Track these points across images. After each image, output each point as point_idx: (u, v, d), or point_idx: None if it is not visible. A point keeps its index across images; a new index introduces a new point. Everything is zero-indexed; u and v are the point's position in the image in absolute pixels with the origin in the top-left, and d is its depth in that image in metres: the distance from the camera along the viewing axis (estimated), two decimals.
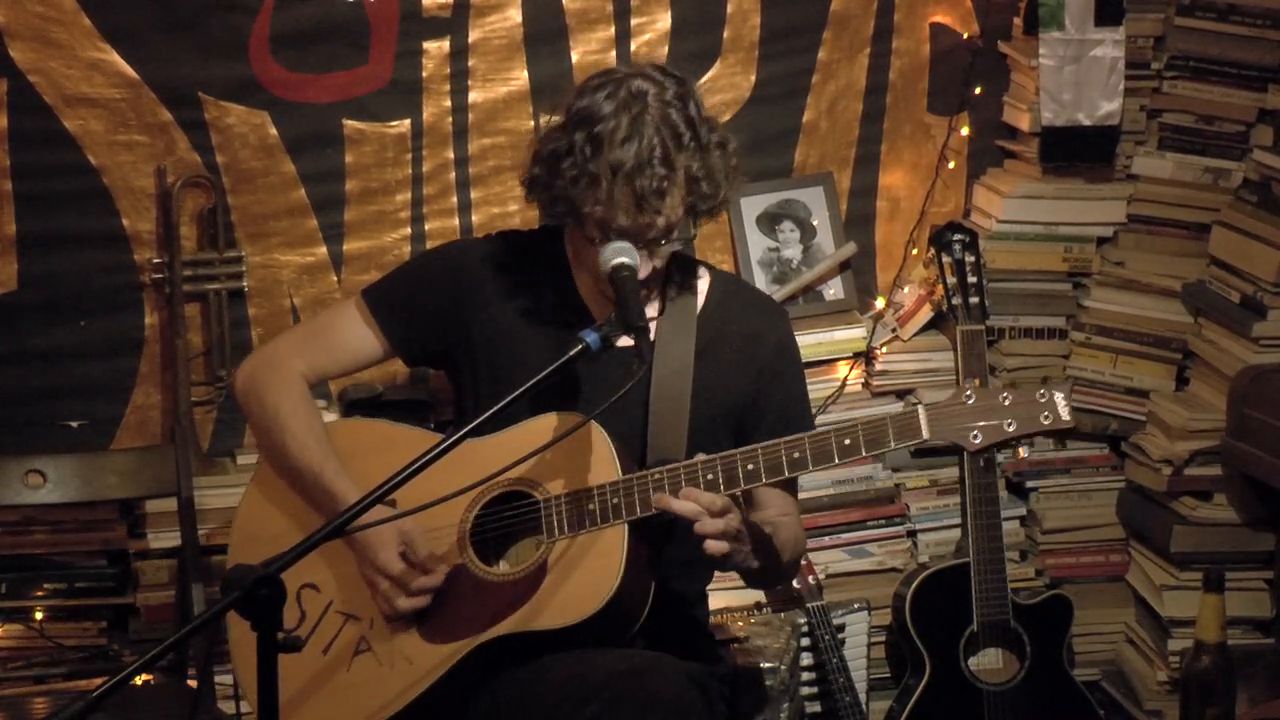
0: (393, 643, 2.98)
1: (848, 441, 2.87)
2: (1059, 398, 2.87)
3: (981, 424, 2.86)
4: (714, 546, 2.83)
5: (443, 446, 2.63)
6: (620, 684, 2.77)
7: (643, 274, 2.96)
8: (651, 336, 3.03)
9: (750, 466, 2.88)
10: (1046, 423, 2.87)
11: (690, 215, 2.97)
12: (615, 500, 2.90)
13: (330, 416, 3.86)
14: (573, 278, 3.11)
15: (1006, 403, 2.86)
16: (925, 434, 2.87)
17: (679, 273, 3.13)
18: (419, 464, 2.59)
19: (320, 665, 3.01)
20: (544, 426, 2.95)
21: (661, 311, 3.10)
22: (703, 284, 3.16)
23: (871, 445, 2.88)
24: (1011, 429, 2.87)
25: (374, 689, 2.97)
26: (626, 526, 2.90)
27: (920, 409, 2.87)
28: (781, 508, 3.13)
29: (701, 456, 2.90)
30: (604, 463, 2.93)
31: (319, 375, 3.20)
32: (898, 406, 4.21)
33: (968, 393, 2.88)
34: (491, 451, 2.91)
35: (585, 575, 2.90)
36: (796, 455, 2.88)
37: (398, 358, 3.22)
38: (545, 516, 2.94)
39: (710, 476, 2.88)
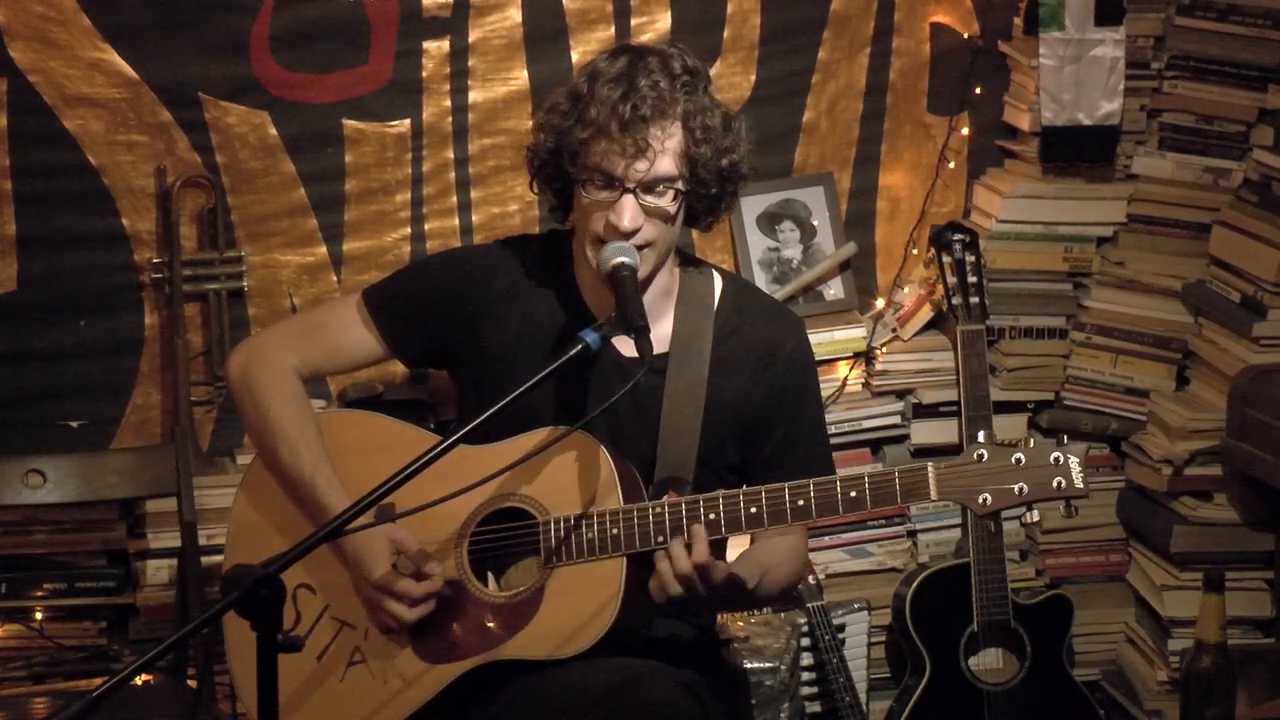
0: (387, 658, 2.96)
1: (854, 495, 2.81)
2: (1074, 462, 2.75)
3: (991, 487, 2.76)
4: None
5: (436, 451, 2.60)
6: (617, 694, 2.75)
7: (648, 237, 2.90)
8: (666, 347, 3.03)
9: (753, 510, 2.83)
10: (1059, 489, 2.76)
11: (692, 173, 2.91)
12: (615, 531, 2.86)
13: None
14: (578, 284, 3.08)
15: (1019, 464, 2.76)
16: (933, 494, 2.79)
17: (691, 283, 3.09)
18: (412, 469, 2.56)
19: (313, 672, 2.99)
20: (546, 439, 2.91)
21: (676, 324, 3.05)
22: (716, 283, 3.12)
23: (877, 501, 2.81)
24: (1023, 493, 2.76)
25: (366, 703, 2.95)
26: (624, 559, 2.87)
27: (929, 468, 2.79)
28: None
29: (721, 493, 2.85)
30: (606, 488, 2.89)
31: (313, 372, 3.17)
32: (898, 406, 4.21)
33: (980, 452, 2.78)
34: (489, 459, 2.87)
35: (583, 606, 2.86)
36: (801, 503, 2.82)
37: (396, 360, 3.21)
38: (544, 539, 2.91)
39: (712, 516, 2.83)
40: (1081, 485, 2.76)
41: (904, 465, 2.84)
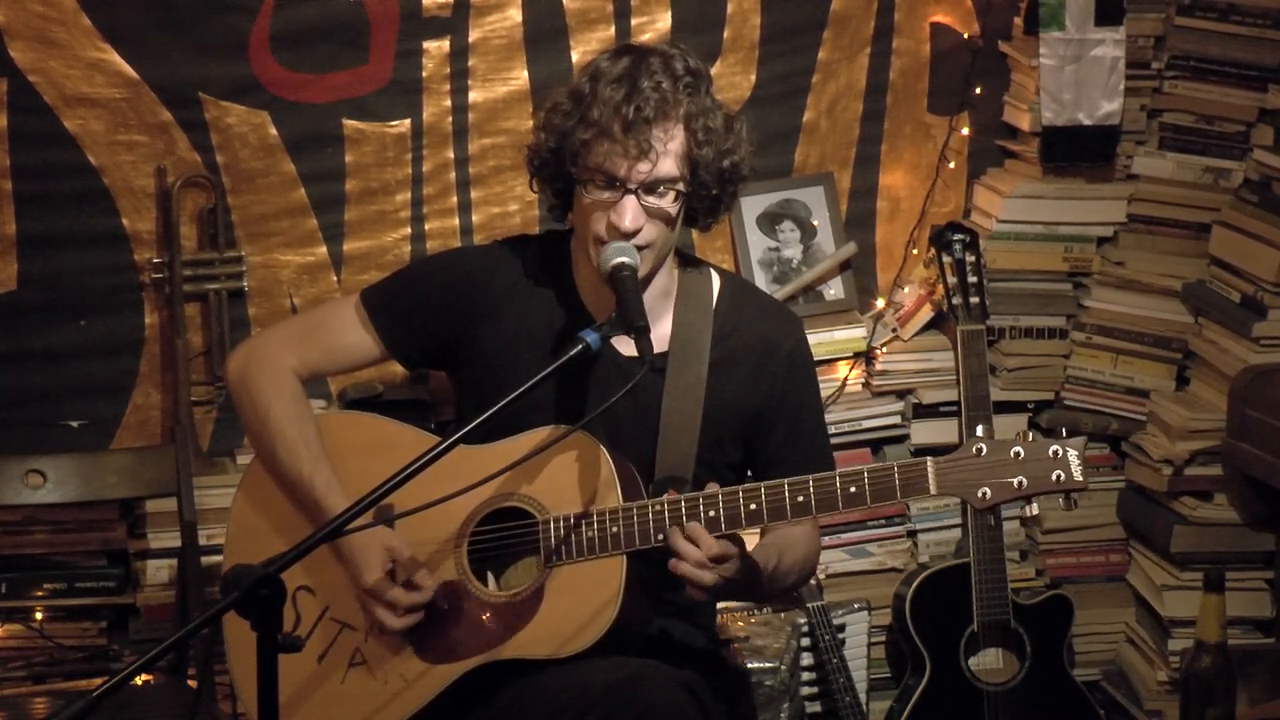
0: (388, 658, 2.96)
1: (853, 490, 2.81)
2: (1073, 456, 2.76)
3: (990, 481, 2.77)
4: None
5: (436, 451, 2.60)
6: (617, 694, 2.75)
7: (648, 238, 2.90)
8: (665, 347, 3.02)
9: (753, 506, 2.83)
10: (1058, 482, 2.76)
11: (692, 175, 2.91)
12: (615, 529, 2.86)
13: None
14: (576, 284, 3.09)
15: (1018, 458, 2.77)
16: (933, 489, 2.79)
17: (689, 283, 3.09)
18: (412, 469, 2.56)
19: (313, 673, 2.99)
20: (545, 438, 2.92)
21: (675, 323, 3.06)
22: (714, 282, 3.12)
23: (877, 496, 2.81)
24: (1022, 487, 2.77)
25: (367, 703, 2.95)
26: (625, 557, 2.87)
27: (929, 463, 2.80)
28: None
29: (712, 487, 2.86)
30: (606, 487, 2.90)
31: (312, 373, 3.17)
32: (898, 406, 4.21)
33: (979, 445, 2.78)
34: (489, 459, 2.88)
35: (583, 605, 2.87)
36: (801, 499, 2.82)
37: (395, 361, 3.20)
38: (544, 538, 2.91)
39: (712, 514, 2.83)
40: (1081, 478, 2.77)
41: (903, 460, 2.84)
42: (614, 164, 2.87)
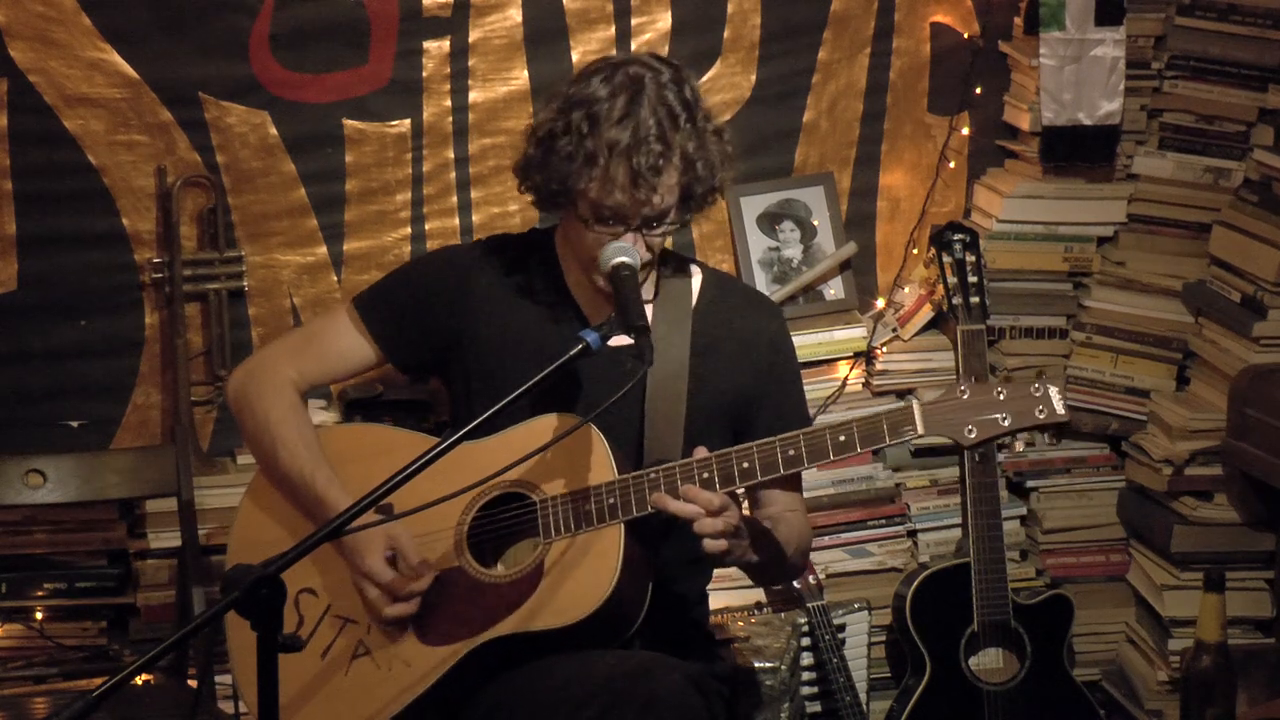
0: (390, 646, 2.98)
1: (842, 438, 2.87)
2: (1053, 392, 2.88)
3: (976, 418, 2.87)
4: (712, 545, 2.84)
5: (438, 450, 2.62)
6: (619, 685, 2.78)
7: (645, 256, 2.96)
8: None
9: (746, 465, 2.88)
10: (1041, 417, 2.87)
11: (684, 200, 2.97)
12: (611, 500, 2.90)
13: (331, 417, 3.87)
14: (564, 278, 3.12)
15: (1001, 397, 2.87)
16: (920, 429, 2.87)
17: (670, 272, 3.14)
18: (414, 467, 2.58)
19: (318, 669, 3.01)
20: (542, 428, 2.95)
21: (655, 312, 3.09)
22: (695, 283, 3.16)
23: (866, 441, 2.88)
24: (1006, 423, 2.87)
25: (372, 692, 2.97)
26: (623, 526, 2.90)
27: (914, 404, 2.88)
28: (785, 504, 3.13)
29: (701, 452, 2.89)
30: (601, 463, 2.93)
31: (310, 383, 3.20)
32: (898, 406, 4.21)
33: (962, 388, 2.88)
34: (489, 453, 2.91)
35: (582, 575, 2.89)
36: (792, 453, 2.88)
37: (391, 364, 3.21)
38: (542, 518, 2.94)
39: (706, 475, 2.88)
40: (1062, 410, 2.89)
41: (890, 407, 2.92)
42: (617, 204, 2.92)
